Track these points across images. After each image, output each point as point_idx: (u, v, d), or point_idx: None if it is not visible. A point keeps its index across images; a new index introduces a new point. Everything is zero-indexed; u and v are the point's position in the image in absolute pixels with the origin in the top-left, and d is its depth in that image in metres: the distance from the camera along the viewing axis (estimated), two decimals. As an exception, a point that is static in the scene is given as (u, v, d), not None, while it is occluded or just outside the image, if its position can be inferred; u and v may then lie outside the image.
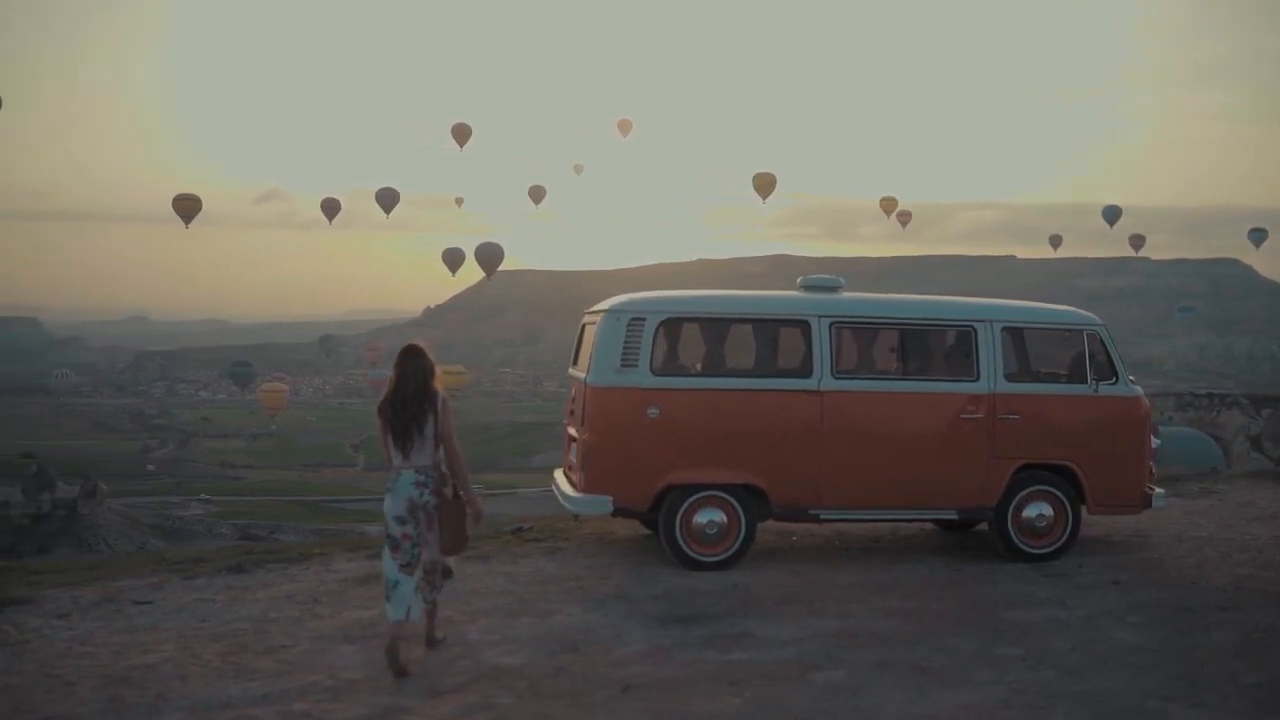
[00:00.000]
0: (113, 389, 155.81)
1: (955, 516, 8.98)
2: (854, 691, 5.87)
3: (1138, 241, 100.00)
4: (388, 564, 6.21)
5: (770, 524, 9.20)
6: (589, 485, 8.51)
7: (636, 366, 8.43)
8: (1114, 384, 9.02)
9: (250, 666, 6.10)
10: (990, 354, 8.81)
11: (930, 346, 9.15)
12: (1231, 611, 7.43)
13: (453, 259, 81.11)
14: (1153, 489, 9.21)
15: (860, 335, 9.04)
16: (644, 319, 8.53)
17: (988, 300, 9.36)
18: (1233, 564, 8.84)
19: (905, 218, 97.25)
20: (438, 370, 6.43)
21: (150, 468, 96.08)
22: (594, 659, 6.35)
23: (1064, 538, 8.93)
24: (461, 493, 6.38)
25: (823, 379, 8.58)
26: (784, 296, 9.15)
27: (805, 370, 8.63)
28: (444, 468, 6.37)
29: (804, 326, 8.67)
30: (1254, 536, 9.89)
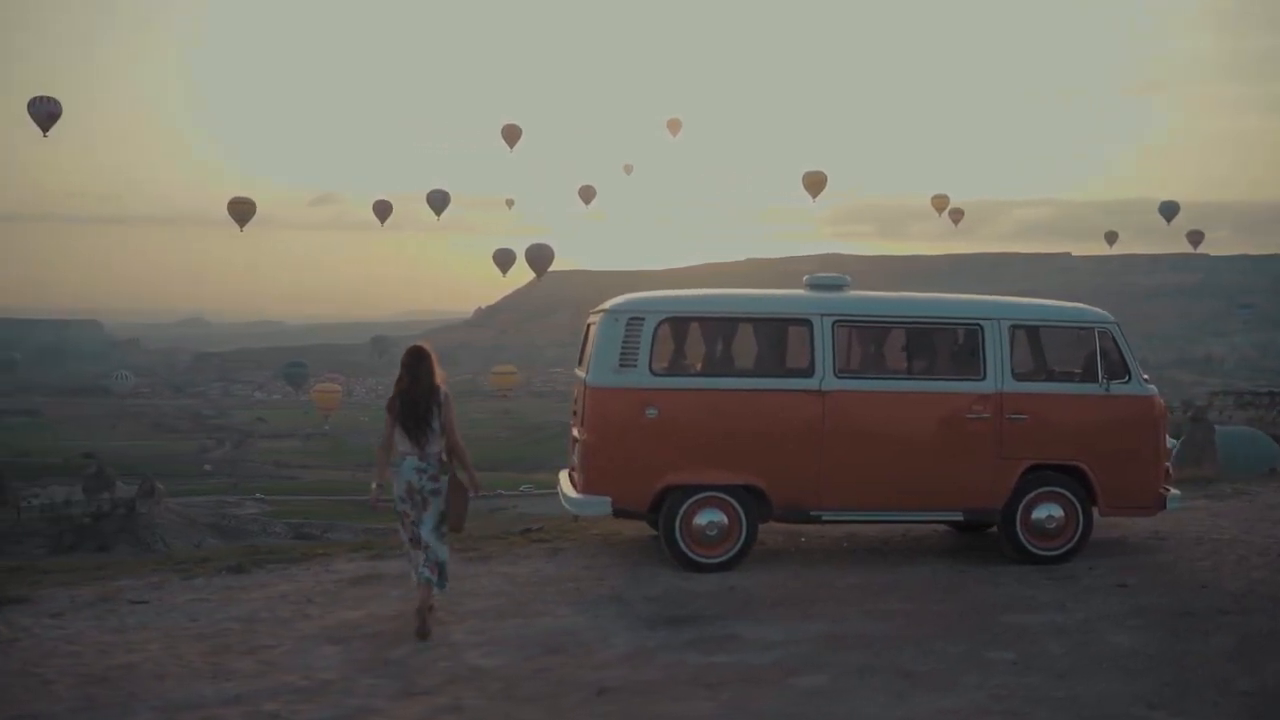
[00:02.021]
0: (171, 390, 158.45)
1: (961, 518, 8.84)
2: (832, 696, 5.78)
3: (1196, 237, 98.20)
4: (402, 534, 7.04)
5: (781, 525, 9.14)
6: (588, 486, 8.47)
7: (635, 366, 8.38)
8: (1126, 383, 8.82)
9: (229, 667, 6.13)
10: (997, 353, 8.65)
11: (936, 345, 9.00)
12: (1235, 616, 7.23)
13: (504, 260, 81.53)
14: (1168, 490, 8.99)
15: (863, 334, 8.92)
16: (643, 319, 8.47)
17: (995, 298, 9.18)
18: (1248, 567, 8.61)
19: (957, 215, 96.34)
20: (439, 368, 7.03)
21: (207, 467, 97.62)
22: (574, 661, 6.31)
23: (1074, 540, 8.74)
24: (463, 475, 7.03)
25: (825, 378, 8.47)
26: (785, 295, 9.05)
27: (807, 370, 8.52)
28: (444, 456, 6.95)
29: (806, 325, 8.56)
30: (1276, 539, 9.62)
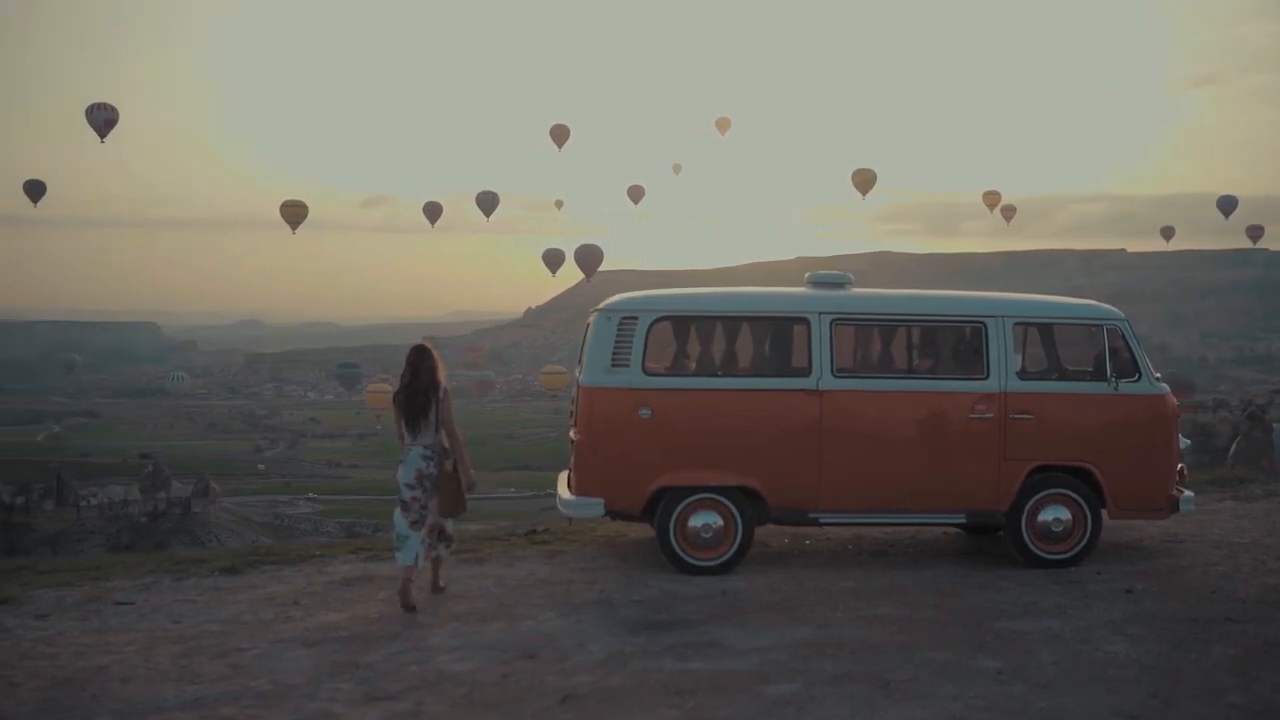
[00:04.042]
0: (225, 391, 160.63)
1: (964, 520, 8.62)
2: (800, 705, 5.61)
3: (1255, 232, 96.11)
4: (399, 521, 7.41)
5: (788, 528, 8.97)
6: (580, 488, 8.37)
7: (628, 366, 8.26)
8: (1136, 381, 8.56)
9: (197, 670, 6.08)
10: (1001, 351, 8.43)
11: (937, 343, 8.81)
12: (1243, 624, 6.95)
13: (553, 259, 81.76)
14: (1181, 492, 8.71)
15: (863, 333, 8.75)
16: (636, 318, 8.35)
17: (1000, 295, 8.96)
18: (1264, 572, 8.31)
19: (1010, 213, 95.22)
20: (441, 365, 7.63)
21: (260, 467, 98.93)
22: (546, 667, 6.19)
23: (1083, 543, 8.50)
24: (459, 466, 7.52)
25: (822, 378, 8.30)
26: (782, 293, 8.88)
27: (804, 369, 8.35)
28: (445, 444, 7.51)
29: (803, 324, 8.40)
30: (1298, 543, 9.30)
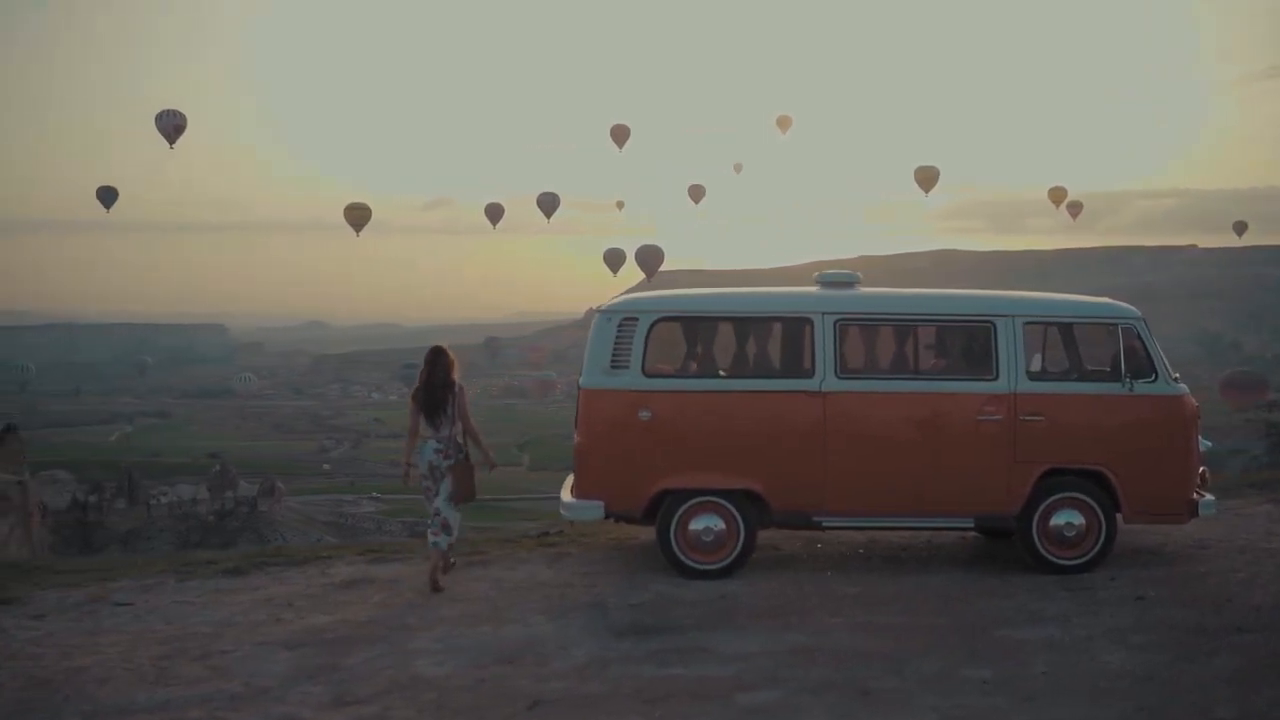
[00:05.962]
0: (291, 391, 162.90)
1: (972, 524, 8.43)
2: (774, 713, 5.51)
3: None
4: (428, 503, 8.16)
5: (802, 531, 8.83)
6: (580, 490, 8.31)
7: (628, 368, 8.19)
8: (1152, 382, 8.29)
9: (175, 672, 6.11)
10: (1011, 351, 8.22)
11: (945, 344, 8.62)
12: (1252, 634, 6.69)
13: (614, 260, 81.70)
14: (1201, 496, 8.43)
15: (868, 333, 8.57)
16: (636, 319, 8.27)
17: (1010, 293, 8.75)
18: (1286, 580, 8.01)
19: (1076, 209, 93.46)
20: (456, 365, 8.25)
21: (326, 467, 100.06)
22: (523, 672, 6.14)
23: (1097, 548, 8.26)
24: (477, 453, 8.23)
25: (826, 379, 8.16)
26: (786, 293, 8.76)
27: (807, 370, 8.21)
28: (459, 439, 8.13)
29: (806, 324, 8.26)
30: (1329, 549, 8.95)
